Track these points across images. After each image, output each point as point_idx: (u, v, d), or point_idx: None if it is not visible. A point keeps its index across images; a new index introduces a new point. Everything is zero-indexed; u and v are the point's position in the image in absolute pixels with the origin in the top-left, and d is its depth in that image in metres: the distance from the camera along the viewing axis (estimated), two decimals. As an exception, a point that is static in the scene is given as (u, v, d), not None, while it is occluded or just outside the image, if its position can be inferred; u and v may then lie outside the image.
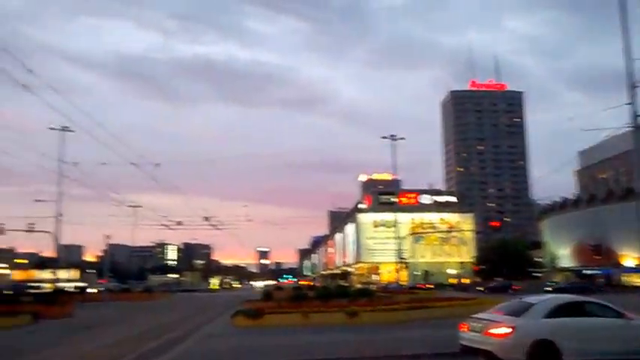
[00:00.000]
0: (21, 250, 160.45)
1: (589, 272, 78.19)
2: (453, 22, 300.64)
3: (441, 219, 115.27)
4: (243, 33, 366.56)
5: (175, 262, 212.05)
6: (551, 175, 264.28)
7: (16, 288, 52.71)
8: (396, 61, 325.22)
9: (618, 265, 72.37)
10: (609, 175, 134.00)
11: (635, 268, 68.55)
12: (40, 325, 24.23)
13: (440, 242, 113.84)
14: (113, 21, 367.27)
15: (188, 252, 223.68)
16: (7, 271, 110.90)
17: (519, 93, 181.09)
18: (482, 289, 65.49)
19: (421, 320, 22.60)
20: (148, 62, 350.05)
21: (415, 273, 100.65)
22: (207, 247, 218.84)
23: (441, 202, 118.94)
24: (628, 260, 72.10)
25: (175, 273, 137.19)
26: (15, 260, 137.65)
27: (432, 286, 76.30)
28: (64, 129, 44.23)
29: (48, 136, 44.83)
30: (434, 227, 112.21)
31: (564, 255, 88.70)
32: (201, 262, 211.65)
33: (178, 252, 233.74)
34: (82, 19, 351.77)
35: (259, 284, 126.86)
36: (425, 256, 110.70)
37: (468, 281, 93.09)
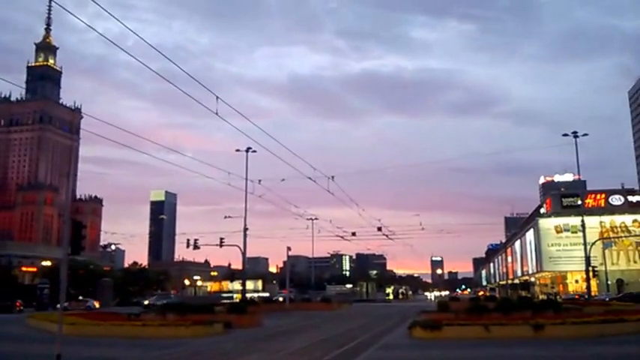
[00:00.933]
0: (213, 263, 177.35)
1: None
2: (633, 2, 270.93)
3: (635, 221, 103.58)
4: (408, 43, 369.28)
5: (348, 272, 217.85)
6: None
7: (212, 299, 58.19)
8: (571, 52, 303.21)
9: None
10: None
11: None
12: (232, 334, 25.62)
13: (635, 247, 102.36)
14: (288, 47, 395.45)
15: (361, 262, 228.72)
16: (203, 283, 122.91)
17: None
18: None
19: (618, 335, 20.71)
20: (319, 82, 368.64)
21: (607, 283, 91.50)
22: (380, 257, 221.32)
23: (634, 203, 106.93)
24: None
25: (350, 283, 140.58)
26: (211, 273, 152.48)
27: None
28: (248, 150, 47.99)
29: (236, 157, 49.23)
30: (628, 231, 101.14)
31: None
32: (375, 272, 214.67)
33: (351, 262, 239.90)
34: (262, 50, 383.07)
35: (432, 295, 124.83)
36: (618, 263, 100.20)
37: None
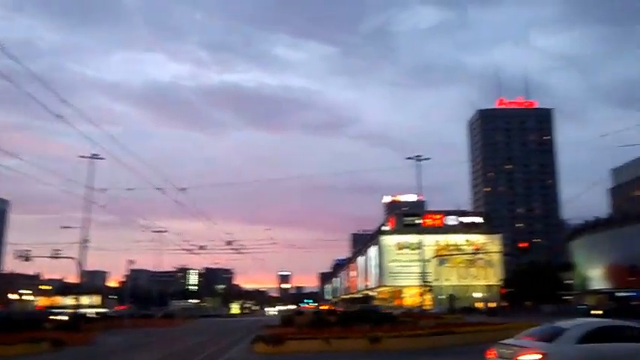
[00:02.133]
0: (50, 276, 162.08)
1: (623, 294, 75.39)
2: (480, 42, 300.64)
3: (467, 240, 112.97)
4: (272, 60, 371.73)
5: (196, 287, 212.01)
6: (582, 194, 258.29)
7: (38, 315, 52.52)
8: (423, 82, 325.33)
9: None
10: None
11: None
12: (62, 353, 23.78)
13: (466, 265, 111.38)
14: (148, 54, 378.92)
15: (209, 277, 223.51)
16: (32, 297, 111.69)
17: (549, 110, 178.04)
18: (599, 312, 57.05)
19: (448, 347, 21.72)
20: (179, 91, 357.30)
21: (440, 297, 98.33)
22: (228, 271, 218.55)
23: (467, 224, 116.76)
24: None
25: (196, 298, 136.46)
26: (40, 287, 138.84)
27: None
28: (94, 156, 44.28)
29: (81, 164, 45.09)
30: (460, 249, 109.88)
31: (596, 277, 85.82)
32: (222, 286, 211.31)
33: (199, 277, 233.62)
34: (118, 53, 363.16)
35: (273, 309, 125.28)
36: (450, 279, 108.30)
37: (494, 305, 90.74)
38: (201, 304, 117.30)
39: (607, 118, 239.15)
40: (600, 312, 53.30)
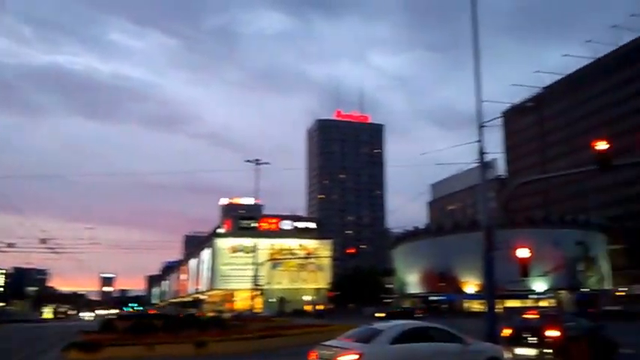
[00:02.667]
0: None
1: (434, 298, 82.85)
2: (322, 53, 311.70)
3: (301, 245, 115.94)
4: (106, 45, 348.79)
5: (2, 289, 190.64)
6: (405, 205, 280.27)
7: None
8: (266, 86, 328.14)
9: (461, 292, 77.35)
10: (457, 207, 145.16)
11: (475, 295, 73.51)
12: None
13: (298, 268, 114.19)
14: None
15: (19, 277, 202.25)
16: None
17: (381, 126, 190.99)
18: (382, 315, 61.27)
19: (275, 349, 22.01)
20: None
21: (270, 300, 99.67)
22: (43, 272, 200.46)
23: (301, 229, 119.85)
24: (469, 287, 77.34)
25: (2, 301, 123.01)
26: None
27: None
28: None
29: None
30: (293, 253, 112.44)
31: (413, 282, 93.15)
32: (35, 289, 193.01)
33: (6, 277, 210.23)
34: None
35: (90, 314, 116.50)
36: (281, 282, 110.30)
37: (322, 307, 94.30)
38: (7, 307, 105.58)
39: (429, 137, 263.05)
40: (383, 315, 58.38)
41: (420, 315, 60.45)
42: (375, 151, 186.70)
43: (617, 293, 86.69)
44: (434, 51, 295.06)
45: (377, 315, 60.75)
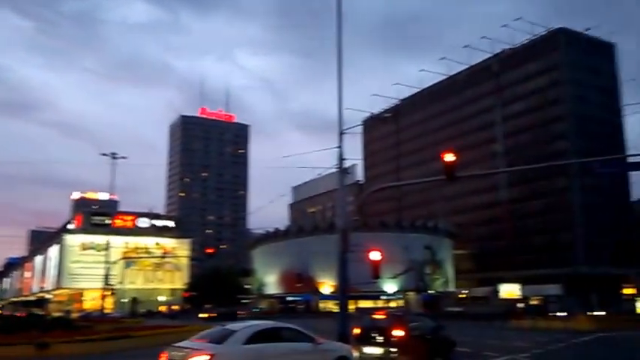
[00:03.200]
0: None
1: (292, 298, 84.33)
2: (189, 48, 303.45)
3: (158, 244, 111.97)
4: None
5: None
6: (266, 206, 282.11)
7: None
8: (127, 77, 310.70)
9: (317, 292, 79.52)
10: (317, 209, 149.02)
11: (330, 295, 75.93)
12: None
13: (153, 268, 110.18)
14: None
15: None
16: None
17: (246, 126, 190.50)
18: (205, 315, 63.83)
19: (125, 350, 21.49)
20: None
21: (123, 300, 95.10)
22: None
23: (159, 227, 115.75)
24: (325, 287, 79.73)
25: None
26: None
27: None
28: None
29: None
30: (149, 252, 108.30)
31: (271, 282, 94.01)
32: None
33: None
34: None
35: None
36: (135, 282, 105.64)
37: (177, 308, 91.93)
38: None
39: (293, 140, 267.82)
40: (215, 314, 60.78)
41: (243, 315, 62.49)
42: (240, 151, 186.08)
43: (460, 295, 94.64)
44: (301, 56, 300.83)
45: (200, 316, 63.01)
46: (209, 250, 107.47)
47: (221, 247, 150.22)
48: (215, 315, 60.05)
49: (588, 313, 50.77)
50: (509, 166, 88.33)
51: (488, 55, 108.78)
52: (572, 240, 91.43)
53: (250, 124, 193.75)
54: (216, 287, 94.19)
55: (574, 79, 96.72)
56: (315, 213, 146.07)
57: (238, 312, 65.90)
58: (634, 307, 64.30)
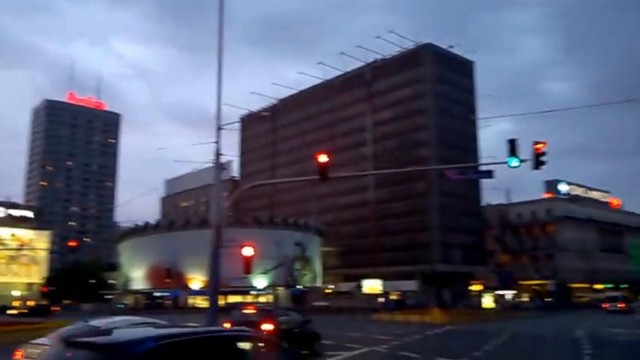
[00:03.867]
0: None
1: (159, 294, 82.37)
2: (60, 30, 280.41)
3: (14, 235, 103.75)
4: None
5: None
6: (137, 199, 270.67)
7: None
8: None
9: (186, 288, 78.40)
10: (190, 204, 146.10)
11: (200, 291, 75.36)
12: None
13: (8, 261, 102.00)
14: None
15: None
16: None
17: (117, 115, 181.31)
18: (15, 312, 59.21)
19: None
20: None
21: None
22: None
23: (15, 217, 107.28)
24: (195, 283, 78.92)
25: None
26: None
27: None
28: None
29: None
30: (3, 244, 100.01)
31: (138, 277, 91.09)
32: None
33: None
34: None
35: None
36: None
37: (32, 303, 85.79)
38: None
39: (168, 133, 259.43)
40: (15, 312, 58.19)
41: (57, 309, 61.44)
42: (110, 140, 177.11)
43: (327, 290, 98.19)
44: (180, 48, 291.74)
45: (9, 312, 59.66)
46: (71, 243, 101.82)
47: (84, 239, 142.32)
48: (26, 311, 56.41)
49: (441, 308, 55.22)
50: (377, 169, 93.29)
51: (362, 64, 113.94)
52: (429, 240, 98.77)
53: (123, 114, 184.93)
54: (78, 282, 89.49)
55: (437, 91, 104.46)
56: (187, 207, 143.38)
57: (53, 307, 63.76)
58: (480, 302, 70.90)
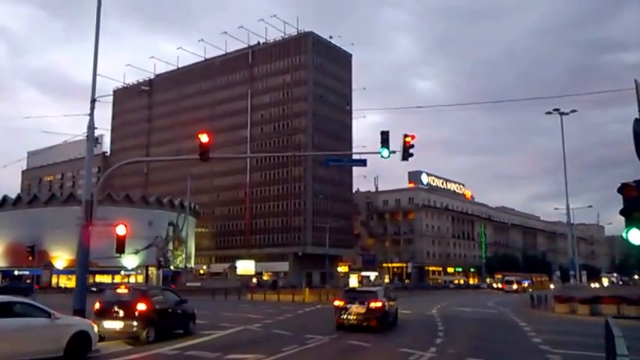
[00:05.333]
0: None
1: (20, 273, 77.28)
2: None
3: None
4: None
5: None
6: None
7: None
8: None
9: (51, 266, 74.30)
10: (56, 178, 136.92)
11: (65, 270, 71.88)
12: None
13: None
14: None
15: None
16: None
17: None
18: None
19: None
20: None
21: None
22: None
23: None
24: (59, 261, 74.99)
25: None
26: None
27: None
28: None
29: None
30: None
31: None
32: None
33: None
34: None
35: None
36: None
37: None
38: None
39: (33, 102, 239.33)
40: None
41: None
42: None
43: (200, 271, 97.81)
44: (47, 10, 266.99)
45: None
46: None
47: None
48: None
49: (311, 288, 57.74)
50: (254, 152, 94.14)
51: (244, 46, 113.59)
52: (302, 223, 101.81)
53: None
54: None
55: (315, 80, 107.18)
56: (52, 182, 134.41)
57: None
58: (347, 283, 74.88)
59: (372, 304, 19.38)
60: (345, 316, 19.62)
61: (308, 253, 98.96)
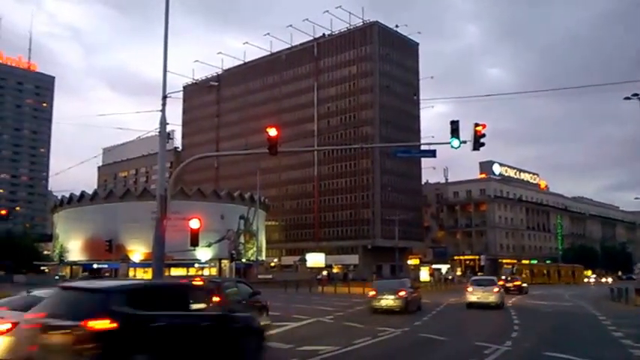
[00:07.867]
0: None
1: (98, 266, 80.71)
2: None
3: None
4: None
5: None
6: (73, 167, 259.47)
7: None
8: None
9: (127, 260, 77.10)
10: (130, 174, 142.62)
11: (141, 263, 74.30)
12: None
13: None
14: None
15: None
16: None
17: (51, 77, 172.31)
18: None
19: None
20: None
21: None
22: None
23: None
24: (136, 255, 77.71)
25: None
26: None
27: None
28: None
29: None
30: None
31: (75, 249, 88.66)
32: None
33: None
34: None
35: None
36: None
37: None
38: None
39: (104, 100, 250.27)
40: None
41: None
42: (42, 104, 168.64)
43: (271, 264, 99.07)
44: (115, 9, 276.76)
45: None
46: (1, 212, 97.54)
47: (15, 208, 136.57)
48: None
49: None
50: (321, 145, 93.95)
51: (309, 38, 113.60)
52: (371, 216, 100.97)
53: (56, 77, 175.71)
54: (10, 253, 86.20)
55: (382, 71, 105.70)
56: (126, 177, 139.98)
57: None
58: (418, 276, 73.62)
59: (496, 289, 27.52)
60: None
61: (377, 245, 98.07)
